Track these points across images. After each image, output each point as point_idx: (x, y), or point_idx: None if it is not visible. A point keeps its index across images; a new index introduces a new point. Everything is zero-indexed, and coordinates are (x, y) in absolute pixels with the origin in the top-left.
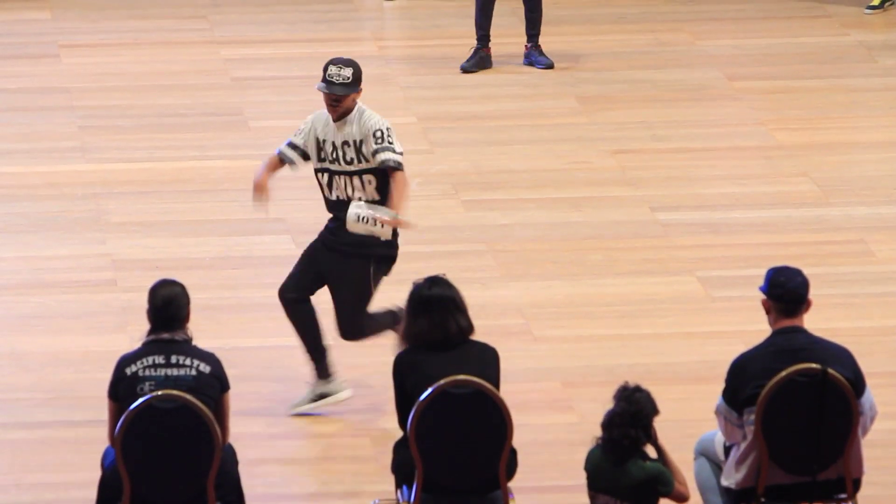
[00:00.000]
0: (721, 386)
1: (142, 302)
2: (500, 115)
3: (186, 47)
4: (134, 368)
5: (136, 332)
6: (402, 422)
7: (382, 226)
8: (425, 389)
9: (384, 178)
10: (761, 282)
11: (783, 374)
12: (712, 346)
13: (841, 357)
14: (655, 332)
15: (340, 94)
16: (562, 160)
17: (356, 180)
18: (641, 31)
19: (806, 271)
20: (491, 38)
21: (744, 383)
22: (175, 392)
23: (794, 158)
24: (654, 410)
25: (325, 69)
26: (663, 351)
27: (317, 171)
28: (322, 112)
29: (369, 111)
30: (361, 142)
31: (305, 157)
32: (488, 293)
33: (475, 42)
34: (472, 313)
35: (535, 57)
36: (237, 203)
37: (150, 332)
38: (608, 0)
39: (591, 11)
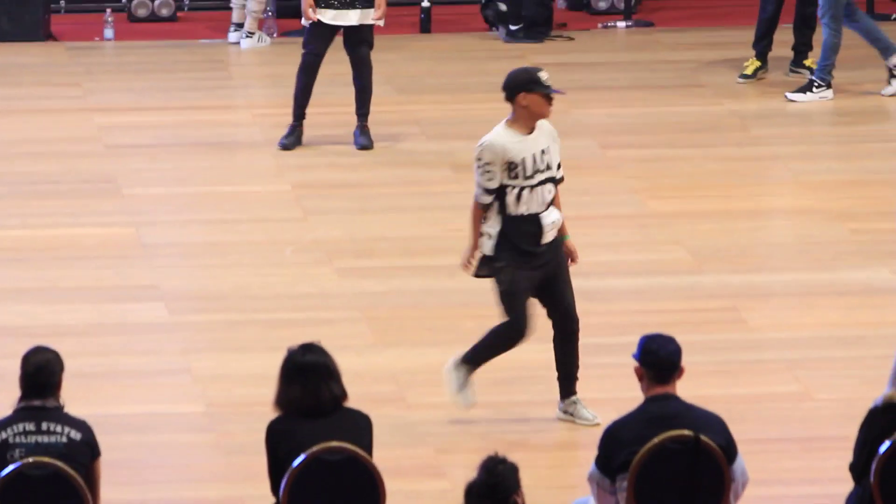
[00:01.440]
0: (594, 453)
1: (14, 369)
2: (374, 183)
3: (60, 114)
4: (4, 436)
5: (7, 399)
6: (275, 489)
7: None
8: (298, 456)
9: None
10: (635, 349)
11: (655, 440)
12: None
13: (713, 424)
14: (529, 399)
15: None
16: (436, 227)
17: (548, 186)
18: None
19: (679, 339)
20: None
21: (617, 450)
22: (45, 459)
23: (668, 226)
24: (516, 485)
25: (537, 76)
26: (536, 418)
27: (505, 187)
28: (491, 140)
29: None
30: (549, 147)
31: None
32: (362, 360)
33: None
34: (345, 380)
35: (355, 134)
36: (110, 270)
37: (22, 399)
38: (482, 69)
39: (465, 80)
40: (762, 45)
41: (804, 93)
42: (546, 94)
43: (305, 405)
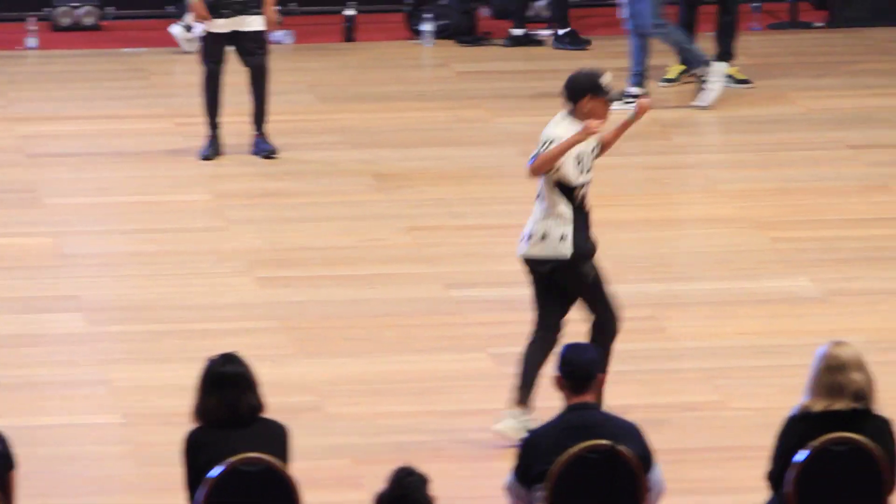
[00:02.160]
0: (512, 463)
1: None
2: (295, 193)
3: None
4: None
5: None
6: (192, 500)
7: None
8: (215, 467)
9: None
10: (553, 358)
11: (573, 450)
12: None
13: (630, 433)
14: (447, 409)
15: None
16: (357, 237)
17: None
18: (440, 108)
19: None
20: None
21: (535, 460)
22: None
23: None
24: (425, 497)
25: (601, 81)
26: (455, 428)
27: (576, 188)
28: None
29: None
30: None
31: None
32: (281, 370)
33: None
34: (264, 391)
35: (255, 145)
36: (30, 280)
37: None
38: (406, 77)
39: (388, 89)
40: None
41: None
42: (608, 99)
43: (223, 416)
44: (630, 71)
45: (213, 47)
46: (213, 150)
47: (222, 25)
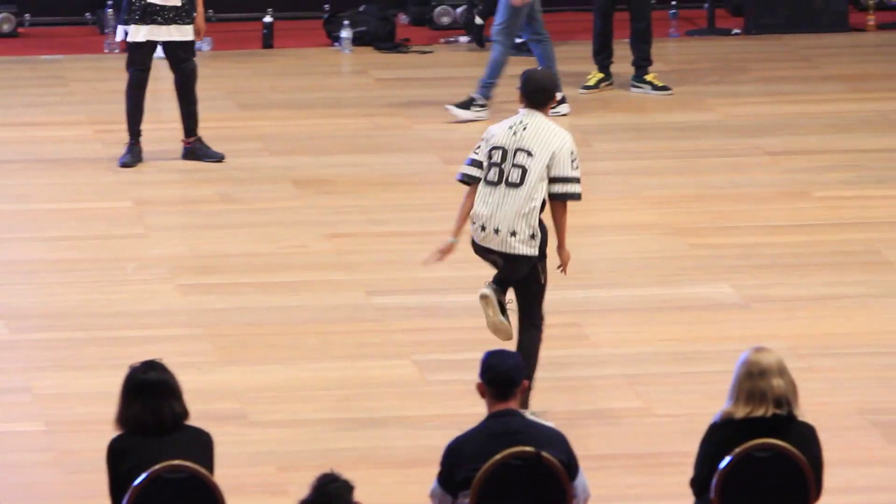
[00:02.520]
0: (436, 469)
1: None
2: (216, 200)
3: None
4: None
5: None
6: None
7: None
8: (139, 475)
9: None
10: (476, 365)
11: (497, 457)
12: (427, 430)
13: (554, 440)
14: (371, 417)
15: None
16: (278, 244)
17: None
18: (358, 114)
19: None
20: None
21: (459, 466)
22: None
23: None
24: None
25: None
26: (378, 435)
27: None
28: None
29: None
30: None
31: None
32: (204, 378)
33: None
34: (187, 398)
35: (204, 151)
36: None
37: None
38: (325, 84)
39: (307, 95)
40: (601, 58)
41: (465, 108)
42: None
43: (147, 423)
44: (482, 80)
45: (140, 54)
46: (132, 157)
47: (146, 34)
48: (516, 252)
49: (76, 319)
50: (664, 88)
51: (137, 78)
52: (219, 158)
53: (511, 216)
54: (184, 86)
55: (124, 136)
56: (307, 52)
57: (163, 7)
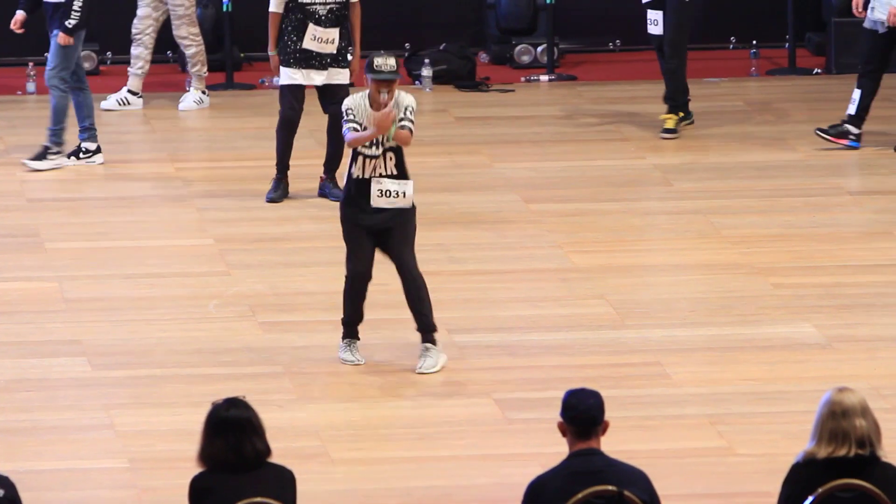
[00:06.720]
0: None
1: None
2: (297, 238)
3: None
4: None
5: None
6: None
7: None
8: None
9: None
10: (558, 403)
11: (579, 496)
12: (509, 469)
13: (637, 479)
14: (452, 455)
15: (392, 80)
16: None
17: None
18: (438, 153)
19: (602, 393)
20: (290, 167)
21: None
22: None
23: (591, 281)
24: None
25: (372, 63)
26: (460, 473)
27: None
28: (356, 99)
29: (402, 92)
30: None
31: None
32: (286, 415)
33: (274, 167)
34: (269, 436)
35: (328, 189)
36: (32, 325)
37: None
38: None
39: None
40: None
41: (40, 160)
42: (376, 79)
43: (229, 460)
44: (50, 127)
45: (292, 95)
46: (280, 192)
47: (307, 78)
48: None
49: (157, 357)
50: (671, 131)
51: (289, 116)
52: (339, 198)
53: None
54: (335, 126)
55: (208, 174)
56: None
57: (319, 53)
